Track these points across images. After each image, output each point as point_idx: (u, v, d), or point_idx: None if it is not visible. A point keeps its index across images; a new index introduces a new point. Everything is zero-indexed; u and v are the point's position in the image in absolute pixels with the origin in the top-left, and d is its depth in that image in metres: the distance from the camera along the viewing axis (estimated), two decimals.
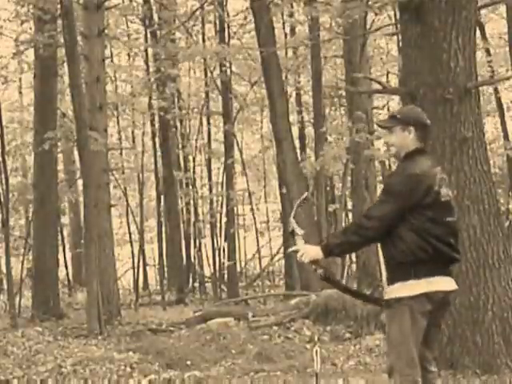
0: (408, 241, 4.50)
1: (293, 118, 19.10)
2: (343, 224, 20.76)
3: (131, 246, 20.39)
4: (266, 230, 23.87)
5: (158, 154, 19.86)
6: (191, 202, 21.45)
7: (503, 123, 17.75)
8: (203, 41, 19.93)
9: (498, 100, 18.06)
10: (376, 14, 16.21)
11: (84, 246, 13.08)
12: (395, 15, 15.94)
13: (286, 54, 19.39)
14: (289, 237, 4.70)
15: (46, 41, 14.02)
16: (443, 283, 4.57)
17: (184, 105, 21.99)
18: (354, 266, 20.20)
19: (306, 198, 5.05)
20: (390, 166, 21.45)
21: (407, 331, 4.51)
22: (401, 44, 9.27)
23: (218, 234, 21.45)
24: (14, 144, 22.06)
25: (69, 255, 23.07)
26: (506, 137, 17.39)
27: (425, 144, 4.68)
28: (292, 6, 17.70)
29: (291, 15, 18.60)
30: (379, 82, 9.93)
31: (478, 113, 7.71)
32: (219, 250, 21.01)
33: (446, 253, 4.55)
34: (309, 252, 4.60)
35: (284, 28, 20.03)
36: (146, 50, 18.99)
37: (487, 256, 7.51)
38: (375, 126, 15.59)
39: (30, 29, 17.15)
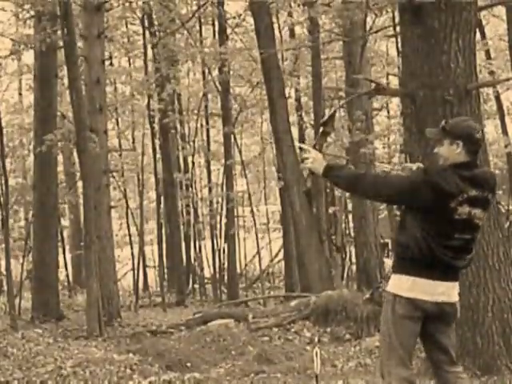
0: (410, 236, 4.53)
1: (292, 119, 19.10)
2: (343, 225, 20.80)
3: (131, 247, 20.40)
4: (265, 232, 23.86)
5: (158, 155, 19.87)
6: (191, 203, 21.45)
7: (503, 125, 17.74)
8: (200, 42, 19.94)
9: (499, 101, 18.07)
10: (376, 16, 16.21)
11: (84, 248, 13.07)
12: (394, 17, 15.95)
13: (283, 55, 19.36)
14: (319, 129, 4.85)
15: (42, 38, 13.95)
16: (432, 293, 4.53)
17: (183, 106, 22.01)
18: (353, 267, 20.20)
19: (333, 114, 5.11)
20: (391, 169, 21.41)
21: (391, 332, 4.59)
22: (400, 45, 9.27)
23: (218, 236, 21.45)
24: (11, 145, 22.05)
25: (69, 257, 23.08)
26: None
27: (475, 157, 4.56)
28: (291, 6, 17.73)
29: (290, 14, 18.61)
30: (379, 84, 9.91)
31: (478, 114, 7.70)
32: (219, 251, 21.00)
33: (444, 259, 4.51)
34: (314, 162, 4.67)
35: (280, 31, 19.98)
36: (145, 51, 18.99)
37: (487, 257, 7.50)
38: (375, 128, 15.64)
39: (30, 28, 17.14)
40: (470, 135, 4.54)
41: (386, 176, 4.74)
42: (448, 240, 4.49)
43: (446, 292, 4.57)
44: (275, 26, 17.70)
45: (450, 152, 4.54)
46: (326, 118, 4.92)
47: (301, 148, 4.87)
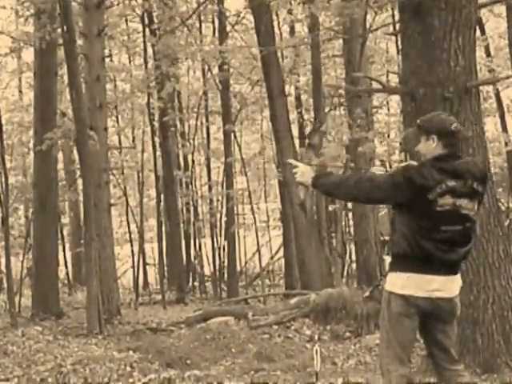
0: (400, 234, 4.59)
1: (292, 116, 19.10)
2: (343, 223, 20.78)
3: (131, 245, 20.40)
4: (265, 229, 23.86)
5: (158, 153, 19.86)
6: (191, 201, 21.44)
7: (503, 122, 17.76)
8: (200, 40, 19.93)
9: (499, 99, 18.08)
10: (376, 13, 16.19)
11: (84, 246, 13.08)
12: (394, 15, 15.94)
13: (282, 53, 19.36)
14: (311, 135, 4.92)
15: (42, 35, 13.93)
16: (426, 289, 4.55)
17: (183, 104, 22.00)
18: (353, 265, 20.20)
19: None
20: (390, 165, 21.47)
21: (388, 329, 4.63)
22: (400, 43, 9.28)
23: (218, 234, 21.45)
24: (11, 143, 22.07)
25: (69, 255, 23.09)
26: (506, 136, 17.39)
27: (453, 149, 4.62)
28: (291, 4, 17.72)
29: (290, 12, 18.60)
30: (379, 82, 9.91)
31: (477, 112, 7.70)
32: (219, 249, 21.01)
33: (435, 253, 4.53)
34: (303, 175, 4.77)
35: (279, 28, 19.97)
36: (145, 49, 19.00)
37: (487, 255, 7.51)
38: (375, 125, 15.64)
39: (29, 25, 17.15)
40: (443, 128, 4.62)
41: (369, 177, 4.78)
42: (435, 233, 4.52)
43: (442, 287, 4.58)
44: (275, 23, 17.70)
45: (427, 147, 4.64)
46: (310, 131, 4.98)
47: (292, 164, 4.93)
